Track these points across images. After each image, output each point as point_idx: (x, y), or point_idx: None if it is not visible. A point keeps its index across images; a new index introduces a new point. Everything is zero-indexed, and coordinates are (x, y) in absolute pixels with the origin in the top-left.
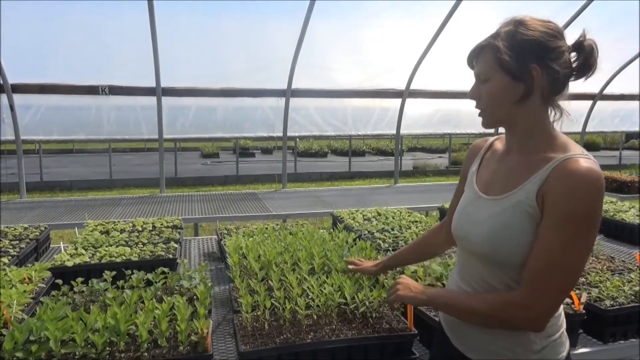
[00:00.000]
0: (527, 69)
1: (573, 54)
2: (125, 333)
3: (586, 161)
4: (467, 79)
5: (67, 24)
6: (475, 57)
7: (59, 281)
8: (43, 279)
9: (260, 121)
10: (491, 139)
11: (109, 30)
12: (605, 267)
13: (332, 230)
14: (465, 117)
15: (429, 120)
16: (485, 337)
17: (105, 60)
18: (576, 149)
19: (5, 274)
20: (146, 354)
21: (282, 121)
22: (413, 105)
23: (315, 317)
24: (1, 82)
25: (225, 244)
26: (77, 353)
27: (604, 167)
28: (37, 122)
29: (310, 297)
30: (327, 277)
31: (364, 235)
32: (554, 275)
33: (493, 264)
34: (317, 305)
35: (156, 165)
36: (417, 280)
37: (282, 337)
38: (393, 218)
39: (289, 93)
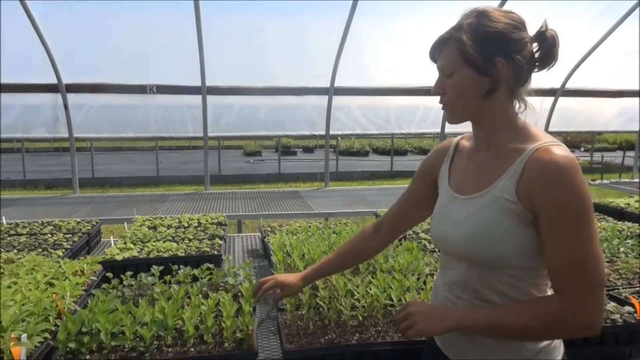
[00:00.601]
0: (493, 62)
1: (535, 45)
2: (172, 328)
3: (558, 148)
4: None
5: (114, 25)
6: (438, 51)
7: (109, 274)
8: (94, 272)
9: (302, 120)
10: (455, 138)
11: (153, 31)
12: None
13: None
14: None
15: None
16: (476, 343)
17: (151, 60)
18: (545, 138)
19: (59, 266)
20: (192, 349)
21: (325, 119)
22: None
23: (360, 317)
24: (56, 82)
25: (269, 242)
26: (126, 346)
27: None
28: (89, 121)
29: (355, 297)
30: (372, 277)
31: (409, 235)
32: (579, 270)
33: (480, 266)
34: (363, 306)
35: (200, 163)
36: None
37: (326, 337)
38: None
39: (331, 91)
